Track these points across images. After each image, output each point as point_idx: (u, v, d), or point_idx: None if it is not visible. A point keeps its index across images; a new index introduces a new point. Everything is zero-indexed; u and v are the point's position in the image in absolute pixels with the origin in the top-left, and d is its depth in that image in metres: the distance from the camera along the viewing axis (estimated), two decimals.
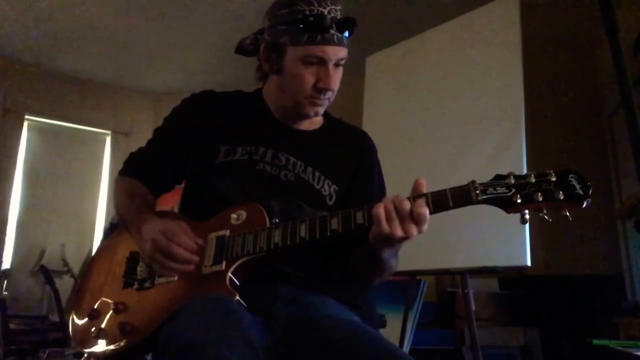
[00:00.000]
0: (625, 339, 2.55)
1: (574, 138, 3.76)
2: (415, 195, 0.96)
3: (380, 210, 0.94)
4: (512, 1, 2.63)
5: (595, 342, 2.30)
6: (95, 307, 1.15)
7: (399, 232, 0.93)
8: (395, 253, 1.07)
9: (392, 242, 0.97)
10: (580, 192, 0.89)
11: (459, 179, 0.96)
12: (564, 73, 3.89)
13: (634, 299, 3.17)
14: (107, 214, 4.75)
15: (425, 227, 0.94)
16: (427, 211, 0.93)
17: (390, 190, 1.33)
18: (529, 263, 2.25)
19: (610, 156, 3.58)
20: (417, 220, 0.93)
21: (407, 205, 0.93)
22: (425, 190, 0.96)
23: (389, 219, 0.94)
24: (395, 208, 0.94)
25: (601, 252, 3.53)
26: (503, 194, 0.92)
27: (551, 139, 3.70)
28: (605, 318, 2.90)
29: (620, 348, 2.16)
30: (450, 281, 3.64)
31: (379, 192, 1.31)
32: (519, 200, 0.91)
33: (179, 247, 1.05)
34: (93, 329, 1.10)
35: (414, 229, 0.93)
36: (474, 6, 2.79)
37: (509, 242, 2.29)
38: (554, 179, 0.90)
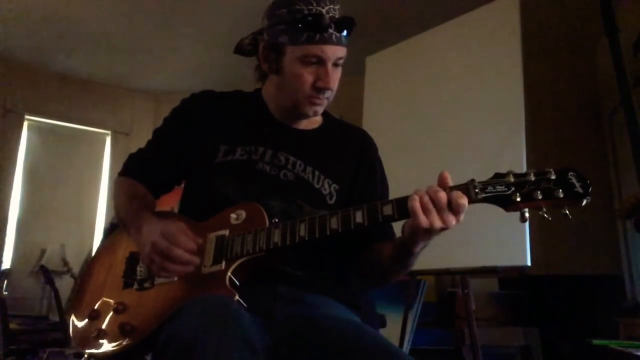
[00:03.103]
0: (625, 339, 2.55)
1: (574, 138, 3.76)
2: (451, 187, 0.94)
3: (415, 203, 0.93)
4: (512, 1, 2.63)
5: (595, 342, 2.30)
6: (96, 307, 1.15)
7: (438, 223, 0.92)
8: (423, 248, 1.03)
9: (430, 233, 0.95)
10: (580, 190, 0.88)
11: (459, 179, 0.96)
12: (564, 73, 3.89)
13: (634, 299, 3.17)
14: (107, 214, 4.75)
15: (462, 217, 0.93)
16: (466, 201, 0.92)
17: (390, 191, 1.33)
18: (529, 263, 2.25)
19: (610, 156, 3.58)
20: (455, 210, 0.92)
21: (443, 196, 0.92)
22: (451, 182, 0.95)
23: (426, 211, 0.92)
24: (432, 199, 0.92)
25: (601, 252, 3.53)
26: (502, 192, 0.92)
27: (551, 139, 3.69)
28: (605, 318, 2.90)
29: (620, 348, 2.16)
30: (450, 281, 3.64)
31: (382, 190, 1.30)
32: (518, 199, 0.91)
33: (179, 249, 1.04)
34: (93, 329, 1.10)
35: (452, 219, 0.92)
36: (474, 6, 2.79)
37: (509, 242, 2.29)
38: (553, 177, 0.90)
